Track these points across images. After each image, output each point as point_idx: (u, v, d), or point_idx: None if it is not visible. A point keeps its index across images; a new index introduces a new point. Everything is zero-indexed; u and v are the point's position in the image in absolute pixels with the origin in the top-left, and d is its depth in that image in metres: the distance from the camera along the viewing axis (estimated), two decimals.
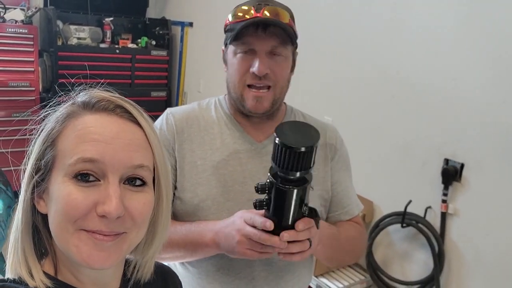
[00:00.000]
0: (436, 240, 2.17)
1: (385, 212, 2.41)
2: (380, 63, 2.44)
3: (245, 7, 0.99)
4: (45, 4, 3.87)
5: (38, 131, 0.62)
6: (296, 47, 1.06)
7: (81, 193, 0.56)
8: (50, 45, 3.63)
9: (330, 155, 1.11)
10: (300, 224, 0.83)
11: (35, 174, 0.59)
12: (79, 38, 3.83)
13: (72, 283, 0.62)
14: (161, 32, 4.20)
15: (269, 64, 0.98)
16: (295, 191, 0.81)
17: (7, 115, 3.43)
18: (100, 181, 0.57)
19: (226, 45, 1.05)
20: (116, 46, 4.02)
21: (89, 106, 0.61)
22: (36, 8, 3.78)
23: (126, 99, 0.64)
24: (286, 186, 0.80)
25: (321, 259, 1.08)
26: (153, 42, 4.19)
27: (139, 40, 4.15)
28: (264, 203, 0.84)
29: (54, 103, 0.64)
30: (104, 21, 4.01)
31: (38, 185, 0.59)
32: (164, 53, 4.14)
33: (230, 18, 1.01)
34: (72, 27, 3.81)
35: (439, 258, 2.15)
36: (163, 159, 0.65)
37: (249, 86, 1.01)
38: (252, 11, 0.97)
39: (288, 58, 1.03)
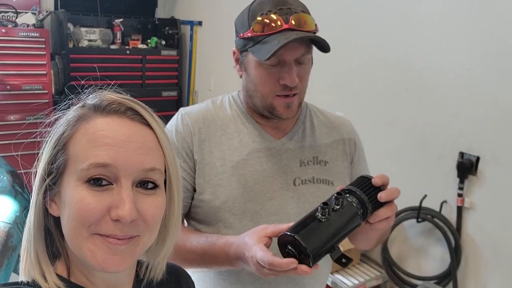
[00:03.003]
0: (453, 235, 2.14)
1: (400, 207, 2.35)
2: (393, 55, 2.41)
3: (272, 16, 0.93)
4: (56, 7, 3.91)
5: (49, 134, 0.62)
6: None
7: (95, 198, 0.56)
8: (62, 47, 3.67)
9: (349, 150, 1.11)
10: (377, 179, 0.85)
11: (47, 178, 0.59)
12: (89, 40, 3.86)
13: (85, 285, 0.62)
14: (170, 31, 4.21)
15: (297, 72, 0.96)
16: (360, 218, 0.83)
17: (21, 118, 3.48)
18: (112, 185, 0.57)
19: (244, 51, 1.00)
20: (127, 47, 4.04)
21: (100, 109, 0.61)
22: (47, 11, 3.82)
23: (136, 100, 0.64)
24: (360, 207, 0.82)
25: (372, 242, 1.04)
26: (163, 42, 4.20)
27: (149, 41, 4.16)
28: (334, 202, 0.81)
29: (64, 106, 0.64)
30: (114, 23, 4.04)
31: (50, 189, 0.59)
32: (174, 52, 4.15)
33: (254, 26, 0.95)
34: (83, 29, 3.85)
35: (455, 253, 2.12)
36: (174, 161, 0.65)
37: (278, 95, 0.99)
38: (280, 22, 0.93)
39: (310, 61, 1.02)
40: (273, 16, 0.94)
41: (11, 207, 1.42)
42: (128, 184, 0.57)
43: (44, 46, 3.58)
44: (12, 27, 3.52)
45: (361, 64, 2.59)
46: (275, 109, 1.00)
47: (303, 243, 0.76)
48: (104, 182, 0.57)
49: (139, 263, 0.70)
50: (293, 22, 0.93)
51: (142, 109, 0.62)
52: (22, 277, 0.61)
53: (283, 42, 0.90)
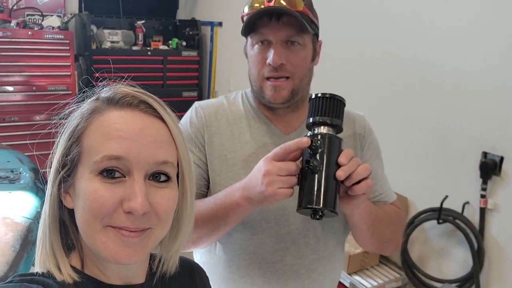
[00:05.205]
0: (475, 237, 2.08)
1: (420, 208, 2.34)
2: (414, 53, 2.38)
3: None
4: (80, 10, 4.00)
5: (63, 127, 0.63)
6: (316, 35, 1.04)
7: (108, 190, 0.57)
8: (85, 49, 3.75)
9: (359, 145, 1.09)
10: (342, 157, 0.80)
11: (61, 170, 0.60)
12: (112, 42, 3.93)
13: (98, 277, 0.63)
14: (191, 32, 4.26)
15: (285, 54, 0.97)
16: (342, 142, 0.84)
17: (47, 118, 3.57)
18: (125, 177, 0.58)
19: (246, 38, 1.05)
20: (148, 48, 4.10)
21: (113, 102, 0.62)
22: (71, 14, 3.91)
23: (149, 94, 0.64)
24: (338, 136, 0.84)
25: (362, 230, 1.00)
26: (184, 43, 4.25)
27: (170, 42, 4.22)
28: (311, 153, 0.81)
29: (79, 99, 0.65)
30: (136, 24, 4.11)
31: (64, 181, 0.60)
32: (194, 53, 4.19)
33: (245, 9, 1.01)
34: (106, 31, 3.92)
35: (478, 256, 2.07)
36: (187, 154, 0.65)
37: (268, 78, 1.00)
38: (265, 1, 0.96)
39: (306, 47, 1.01)
40: None
41: (32, 203, 1.46)
42: (140, 177, 0.58)
43: (68, 47, 3.67)
44: (38, 29, 3.62)
45: (381, 62, 2.56)
46: (264, 93, 1.01)
47: (323, 207, 0.78)
48: (117, 174, 0.58)
49: (152, 257, 0.71)
50: (280, 1, 0.96)
51: (155, 102, 0.63)
52: (37, 268, 0.63)
53: (252, 13, 0.95)
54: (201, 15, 4.36)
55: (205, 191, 1.05)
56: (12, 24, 3.55)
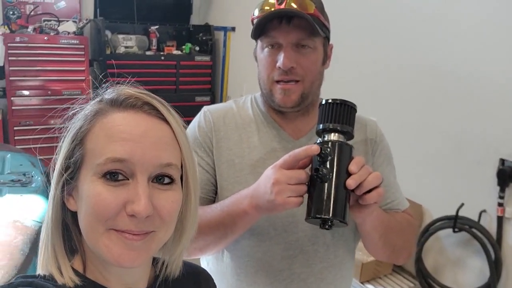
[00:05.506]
0: (492, 246, 2.03)
1: (435, 216, 2.29)
2: (431, 59, 2.34)
3: (270, 1, 0.97)
4: (95, 16, 4.05)
5: (67, 129, 0.62)
6: (327, 38, 1.02)
7: (111, 193, 0.56)
8: (100, 54, 3.79)
9: (370, 151, 1.07)
10: (353, 165, 0.77)
11: (65, 172, 0.60)
12: (126, 47, 3.97)
13: (99, 281, 0.62)
14: (204, 38, 4.27)
15: (295, 57, 0.96)
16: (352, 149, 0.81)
17: (63, 123, 3.61)
18: (128, 180, 0.57)
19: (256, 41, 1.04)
20: (161, 53, 4.13)
21: (117, 104, 0.61)
22: (87, 19, 3.96)
23: (153, 95, 0.64)
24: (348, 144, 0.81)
25: (374, 239, 0.97)
26: (197, 48, 4.27)
27: (183, 47, 4.23)
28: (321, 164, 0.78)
29: (82, 100, 0.64)
30: (150, 30, 4.14)
31: (68, 183, 0.60)
32: (207, 58, 4.21)
33: (256, 12, 1.00)
34: (120, 36, 3.96)
35: (495, 266, 2.01)
36: (191, 156, 0.64)
37: (277, 82, 0.99)
38: (274, 4, 0.95)
39: (317, 50, 0.99)
40: (271, 0, 0.97)
41: (43, 206, 1.46)
42: (144, 179, 0.57)
43: (83, 52, 3.71)
44: (54, 34, 3.67)
45: (397, 67, 2.53)
46: (273, 96, 1.00)
47: (332, 217, 0.75)
48: (120, 177, 0.57)
49: (154, 260, 0.70)
50: (291, 3, 0.94)
51: (159, 104, 0.62)
52: (39, 270, 0.62)
53: (262, 16, 0.94)
54: (214, 20, 4.37)
55: (213, 196, 1.04)
56: (29, 30, 3.61)
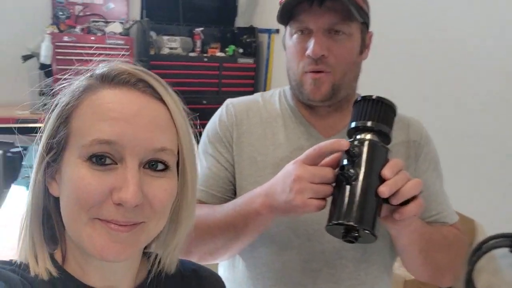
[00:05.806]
0: None
1: (489, 232, 2.10)
2: (483, 56, 2.15)
3: None
4: (142, 17, 4.12)
5: (52, 105, 0.56)
6: (366, 24, 0.90)
7: (96, 178, 0.50)
8: (144, 55, 3.85)
9: (413, 154, 0.93)
10: (387, 169, 0.65)
11: (47, 154, 0.54)
12: (171, 48, 4.02)
13: (77, 276, 0.56)
14: (248, 40, 4.26)
15: (327, 44, 0.84)
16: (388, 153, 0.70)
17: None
18: (117, 164, 0.51)
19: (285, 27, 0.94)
20: (205, 54, 4.15)
21: (108, 79, 0.55)
22: (133, 21, 4.04)
23: (149, 72, 0.58)
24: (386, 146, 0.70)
25: (413, 255, 0.85)
26: (241, 50, 4.26)
27: (227, 49, 4.24)
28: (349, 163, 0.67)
29: (70, 75, 0.58)
30: (194, 31, 4.18)
31: (50, 166, 0.54)
32: (250, 60, 4.19)
33: None
34: (165, 37, 4.02)
35: None
36: (189, 141, 0.57)
37: (307, 73, 0.88)
38: None
39: (353, 37, 0.87)
40: None
41: None
42: (134, 164, 0.51)
43: (128, 53, 3.77)
44: (101, 35, 3.77)
45: (445, 67, 2.35)
46: (303, 87, 0.89)
47: (358, 225, 0.62)
48: (107, 161, 0.51)
49: (145, 255, 0.63)
50: None
51: (155, 81, 0.56)
52: (18, 258, 0.57)
53: None
54: (259, 23, 4.34)
55: (231, 197, 0.94)
56: (77, 30, 3.72)
